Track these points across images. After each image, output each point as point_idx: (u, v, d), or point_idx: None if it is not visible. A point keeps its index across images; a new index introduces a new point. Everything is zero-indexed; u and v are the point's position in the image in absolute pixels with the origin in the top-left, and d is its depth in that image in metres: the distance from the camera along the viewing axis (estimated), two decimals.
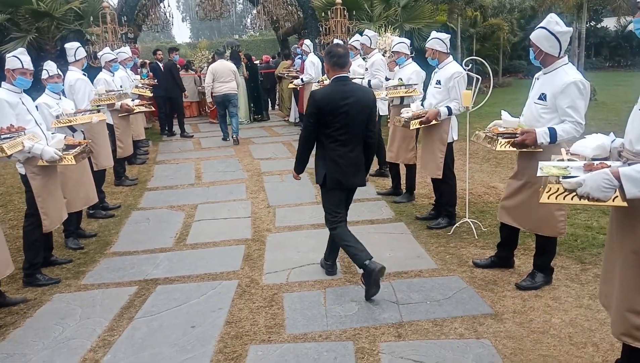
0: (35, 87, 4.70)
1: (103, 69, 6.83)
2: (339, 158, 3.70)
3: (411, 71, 5.63)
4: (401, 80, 5.63)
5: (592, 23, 27.62)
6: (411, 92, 5.49)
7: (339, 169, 3.71)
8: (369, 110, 3.72)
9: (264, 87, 14.10)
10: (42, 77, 4.73)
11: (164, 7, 15.80)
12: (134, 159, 8.46)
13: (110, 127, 6.82)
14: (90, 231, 5.35)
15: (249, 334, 3.27)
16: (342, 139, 3.68)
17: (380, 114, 6.56)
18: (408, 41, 5.75)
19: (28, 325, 3.54)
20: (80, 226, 5.24)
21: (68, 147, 4.22)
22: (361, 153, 3.80)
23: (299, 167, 4.00)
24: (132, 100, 7.28)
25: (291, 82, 10.44)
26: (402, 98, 5.63)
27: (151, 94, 8.86)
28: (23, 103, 4.04)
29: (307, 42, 10.09)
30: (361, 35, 7.68)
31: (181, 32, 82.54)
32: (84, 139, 4.95)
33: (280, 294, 3.79)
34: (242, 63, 12.59)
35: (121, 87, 6.95)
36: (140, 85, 8.55)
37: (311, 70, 9.47)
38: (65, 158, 4.00)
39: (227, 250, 4.72)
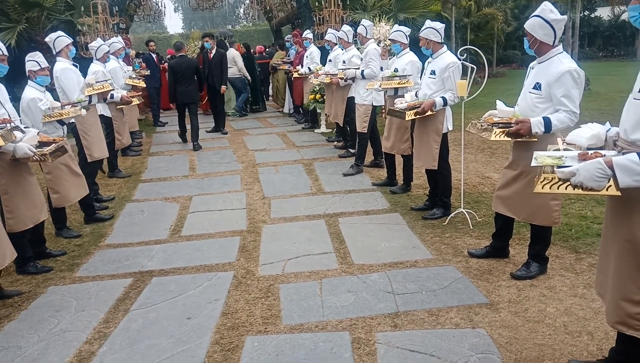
0: (26, 79, 4.62)
1: (97, 61, 6.72)
2: (181, 91, 8.84)
3: (407, 61, 5.59)
4: (396, 70, 5.60)
5: (586, 13, 27.61)
6: (405, 83, 5.46)
7: (181, 96, 8.85)
8: (194, 69, 8.96)
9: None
10: (32, 69, 4.51)
11: None
12: (127, 151, 8.42)
13: (108, 119, 6.78)
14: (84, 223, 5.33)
15: (245, 325, 3.27)
16: (182, 81, 8.81)
17: (375, 104, 6.53)
18: (407, 30, 5.68)
19: (23, 317, 3.52)
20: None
21: (42, 144, 3.97)
22: (194, 87, 8.98)
23: (171, 98, 9.25)
24: (127, 91, 7.25)
25: (296, 72, 10.25)
26: (396, 89, 5.59)
27: (144, 85, 8.81)
28: None
29: (308, 32, 10.11)
30: (351, 27, 7.70)
31: (173, 23, 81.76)
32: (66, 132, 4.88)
33: (276, 285, 3.79)
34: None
35: (110, 78, 6.89)
36: (134, 76, 8.48)
37: (317, 58, 9.42)
38: (41, 157, 3.79)
39: (222, 241, 4.72)
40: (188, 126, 9.10)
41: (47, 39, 5.54)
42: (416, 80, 5.53)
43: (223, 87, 10.11)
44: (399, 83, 5.48)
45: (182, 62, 8.90)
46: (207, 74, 10.09)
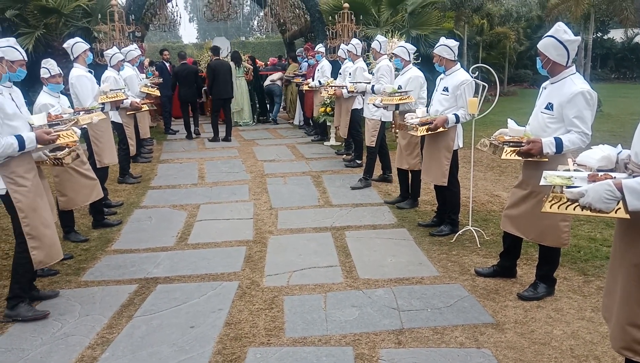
0: (41, 84, 4.68)
1: (111, 68, 6.81)
2: (184, 92, 10.84)
3: (408, 77, 5.63)
4: (400, 87, 5.64)
5: (599, 34, 27.57)
6: (405, 99, 5.49)
7: (183, 95, 10.88)
8: (194, 75, 10.98)
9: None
10: (43, 76, 4.59)
11: (172, 7, 15.84)
12: (138, 158, 8.48)
13: (119, 126, 6.86)
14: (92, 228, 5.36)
15: (248, 336, 3.26)
16: (184, 84, 10.76)
17: (383, 119, 6.55)
18: (411, 48, 5.73)
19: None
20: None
21: (55, 148, 3.97)
22: (194, 90, 11.03)
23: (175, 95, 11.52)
24: (141, 99, 7.36)
25: (306, 85, 10.31)
26: (397, 105, 5.61)
27: (159, 94, 8.92)
28: (12, 99, 3.61)
29: (320, 46, 10.23)
30: (360, 41, 7.82)
31: (188, 33, 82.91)
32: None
33: (281, 297, 3.78)
34: (244, 64, 12.64)
35: (126, 85, 6.97)
36: (149, 84, 8.58)
37: (328, 72, 9.50)
38: (56, 161, 3.85)
39: (228, 250, 4.72)
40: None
41: (65, 45, 5.62)
42: (420, 94, 5.56)
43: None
44: (400, 99, 5.51)
45: (184, 69, 10.97)
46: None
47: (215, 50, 11.50)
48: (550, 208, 2.33)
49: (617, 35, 28.52)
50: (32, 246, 3.46)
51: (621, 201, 2.11)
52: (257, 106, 13.48)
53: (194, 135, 11.08)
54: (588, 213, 2.20)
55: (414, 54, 5.79)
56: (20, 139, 3.30)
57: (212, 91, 10.72)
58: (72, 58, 5.50)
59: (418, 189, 5.89)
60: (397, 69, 7.33)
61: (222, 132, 10.66)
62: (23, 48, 4.00)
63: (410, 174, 5.88)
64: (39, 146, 3.47)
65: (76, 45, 5.45)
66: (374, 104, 5.99)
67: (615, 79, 28.42)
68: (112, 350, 3.13)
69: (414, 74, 5.61)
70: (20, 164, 3.40)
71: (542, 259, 3.72)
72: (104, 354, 3.09)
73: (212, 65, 10.73)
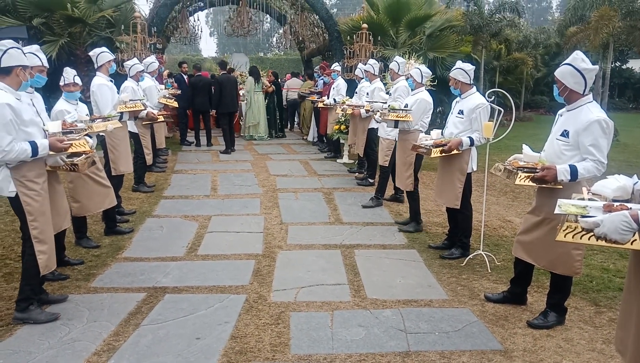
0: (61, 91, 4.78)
1: (130, 78, 6.94)
2: (198, 101, 11.08)
3: (415, 99, 5.66)
4: (406, 106, 5.68)
5: (617, 63, 27.46)
6: (404, 117, 5.53)
7: (198, 105, 11.15)
8: (208, 86, 11.17)
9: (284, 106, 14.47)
10: (60, 83, 4.72)
11: (194, 21, 16.14)
12: (152, 167, 8.58)
13: (135, 135, 6.96)
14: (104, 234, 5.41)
15: (253, 351, 3.24)
16: (199, 94, 11.02)
17: (397, 140, 6.56)
18: (427, 71, 5.77)
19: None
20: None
21: (71, 154, 3.95)
22: (207, 101, 11.08)
23: (188, 106, 11.40)
24: (159, 110, 7.49)
25: (321, 103, 10.39)
26: (396, 122, 5.66)
27: (177, 105, 9.04)
28: (33, 104, 3.66)
29: (337, 65, 10.33)
30: (377, 61, 7.93)
31: (208, 46, 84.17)
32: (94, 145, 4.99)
33: (288, 312, 3.76)
34: (263, 80, 12.81)
35: (144, 96, 7.09)
36: (168, 95, 8.71)
37: (344, 90, 9.58)
38: (72, 166, 3.92)
39: (237, 263, 4.72)
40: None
41: (90, 53, 5.75)
42: (422, 118, 5.62)
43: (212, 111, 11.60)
44: (397, 116, 5.55)
45: (200, 80, 11.38)
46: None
47: (223, 64, 11.76)
48: (565, 237, 2.31)
49: (636, 65, 28.42)
50: (39, 250, 3.49)
51: (637, 233, 2.09)
52: (278, 121, 13.56)
53: (206, 146, 11.49)
54: (603, 243, 2.18)
55: (430, 76, 5.83)
56: (33, 146, 3.37)
57: (219, 105, 10.98)
58: (95, 66, 5.61)
59: (417, 210, 5.87)
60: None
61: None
62: (47, 55, 4.08)
63: (405, 195, 5.89)
64: (51, 153, 3.52)
65: (101, 54, 5.56)
66: (374, 119, 6.06)
67: (633, 109, 28.21)
68: (117, 358, 3.13)
69: (421, 97, 5.63)
70: (31, 169, 3.46)
71: (553, 287, 3.67)
72: (109, 361, 3.10)
73: (219, 79, 10.97)
